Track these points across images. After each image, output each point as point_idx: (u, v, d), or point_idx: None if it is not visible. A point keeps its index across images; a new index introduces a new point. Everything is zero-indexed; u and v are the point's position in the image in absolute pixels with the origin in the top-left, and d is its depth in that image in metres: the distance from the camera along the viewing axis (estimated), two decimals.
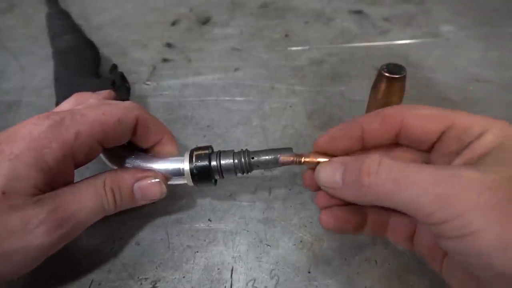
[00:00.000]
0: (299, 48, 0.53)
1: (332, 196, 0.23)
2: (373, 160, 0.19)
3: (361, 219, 0.25)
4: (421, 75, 0.47)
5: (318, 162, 0.25)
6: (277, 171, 0.36)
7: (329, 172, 0.22)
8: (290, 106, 0.43)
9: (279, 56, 0.51)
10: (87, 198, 0.25)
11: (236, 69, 0.49)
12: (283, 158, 0.26)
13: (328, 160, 0.24)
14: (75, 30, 0.49)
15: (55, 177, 0.24)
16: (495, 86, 0.45)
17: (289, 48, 0.53)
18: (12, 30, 0.60)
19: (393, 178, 0.18)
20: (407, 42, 0.53)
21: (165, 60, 0.51)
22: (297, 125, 0.41)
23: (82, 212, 0.24)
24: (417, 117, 0.22)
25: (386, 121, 0.23)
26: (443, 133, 0.21)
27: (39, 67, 0.51)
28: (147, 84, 0.47)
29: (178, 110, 0.43)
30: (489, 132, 0.19)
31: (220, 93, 0.45)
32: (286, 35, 0.56)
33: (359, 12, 0.60)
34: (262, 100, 0.44)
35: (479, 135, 0.19)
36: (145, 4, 0.65)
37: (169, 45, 0.54)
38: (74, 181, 0.26)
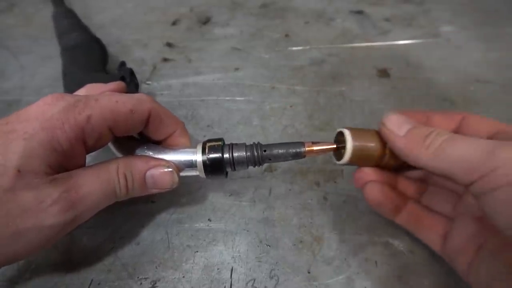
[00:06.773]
0: (300, 48, 0.53)
1: (375, 171, 0.27)
2: (435, 133, 0.23)
3: (401, 202, 0.28)
4: (422, 76, 0.47)
5: (333, 147, 0.27)
6: (277, 171, 0.36)
7: (398, 122, 0.25)
8: (291, 106, 0.43)
9: (280, 56, 0.51)
10: (100, 181, 0.25)
11: (236, 69, 0.49)
12: (295, 150, 0.27)
13: (397, 113, 0.26)
14: (82, 27, 0.49)
15: (68, 159, 0.24)
16: (495, 87, 0.45)
17: (289, 48, 0.53)
18: (12, 29, 0.59)
19: (446, 153, 0.21)
20: (407, 42, 0.53)
21: (165, 60, 0.51)
22: (298, 125, 0.41)
23: (94, 194, 0.24)
24: (477, 118, 0.26)
25: (449, 114, 0.27)
26: (494, 133, 0.25)
27: (39, 66, 0.50)
28: (148, 84, 0.47)
29: (178, 109, 0.43)
30: None
31: (220, 93, 0.45)
32: (287, 35, 0.56)
33: (360, 12, 0.60)
34: (262, 100, 0.44)
35: None
36: (146, 4, 0.65)
37: (169, 45, 0.54)
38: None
